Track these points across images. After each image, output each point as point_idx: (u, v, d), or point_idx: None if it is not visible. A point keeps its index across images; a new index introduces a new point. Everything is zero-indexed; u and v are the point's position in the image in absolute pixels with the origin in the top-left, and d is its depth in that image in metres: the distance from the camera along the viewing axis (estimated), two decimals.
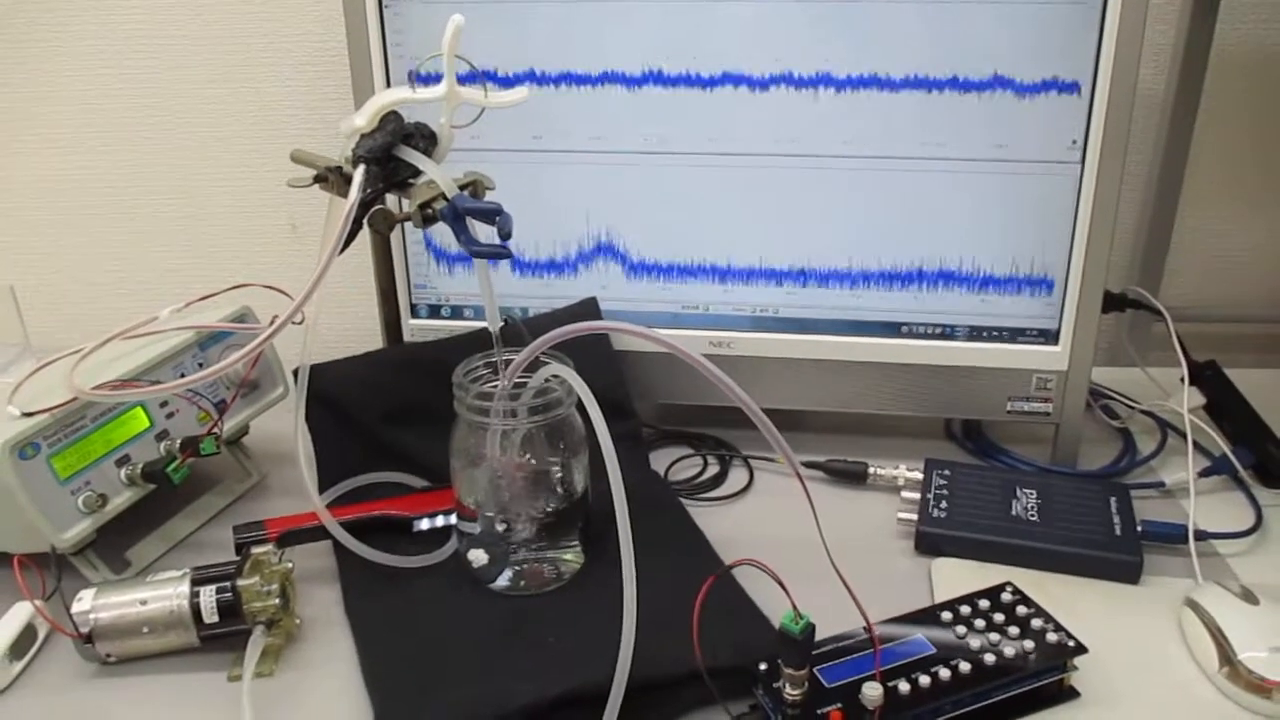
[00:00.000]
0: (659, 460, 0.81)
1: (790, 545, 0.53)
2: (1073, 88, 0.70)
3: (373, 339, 0.85)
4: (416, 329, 0.84)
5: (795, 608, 0.50)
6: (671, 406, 0.85)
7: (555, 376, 0.60)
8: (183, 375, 0.70)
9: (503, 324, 0.62)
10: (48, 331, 0.96)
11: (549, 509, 0.64)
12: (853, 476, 0.78)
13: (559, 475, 0.64)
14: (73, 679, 0.59)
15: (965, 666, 0.53)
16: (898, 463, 0.77)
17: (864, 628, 0.54)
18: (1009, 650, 0.54)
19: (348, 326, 1.05)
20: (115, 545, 0.68)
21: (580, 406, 0.56)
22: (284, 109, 1.03)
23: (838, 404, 0.81)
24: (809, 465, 0.78)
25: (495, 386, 0.62)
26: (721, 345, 0.80)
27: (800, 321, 0.80)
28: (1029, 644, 0.55)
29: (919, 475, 0.75)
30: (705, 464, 0.81)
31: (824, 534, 0.53)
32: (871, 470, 0.77)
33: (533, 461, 0.63)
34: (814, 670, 0.53)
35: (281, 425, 0.70)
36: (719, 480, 0.79)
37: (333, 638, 0.62)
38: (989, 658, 0.54)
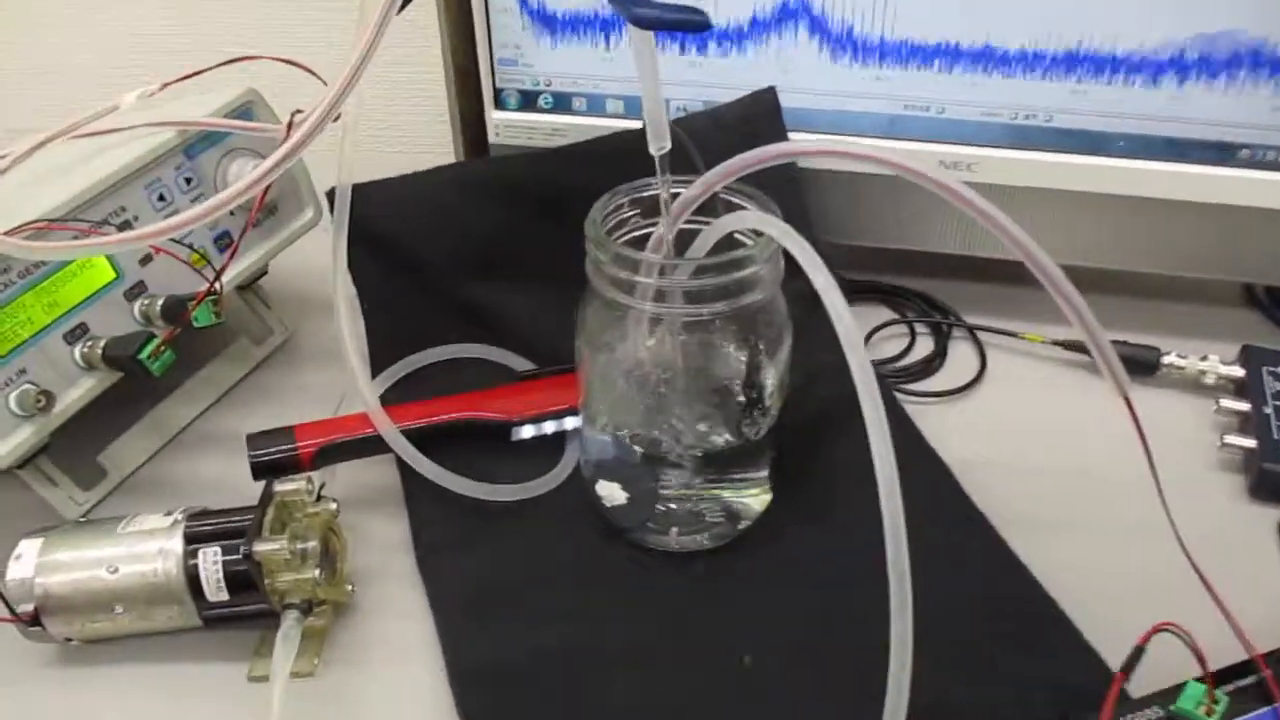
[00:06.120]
0: None
1: (1059, 475, 0.39)
2: None
3: (444, 146, 0.61)
4: (503, 126, 0.59)
5: (1212, 687, 0.28)
6: (860, 250, 0.60)
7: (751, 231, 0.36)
8: (161, 199, 0.46)
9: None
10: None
11: (726, 432, 0.41)
12: (1137, 365, 0.54)
13: (742, 381, 0.41)
14: (25, 668, 0.41)
15: None
16: (1199, 347, 0.53)
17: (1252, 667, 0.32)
18: None
19: (406, 125, 0.79)
20: (83, 446, 0.48)
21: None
22: None
23: (1121, 260, 0.56)
24: (1064, 345, 0.55)
25: (648, 233, 0.39)
26: (958, 166, 0.54)
27: (1084, 135, 0.53)
28: None
29: (1238, 372, 0.51)
30: (913, 336, 0.58)
31: None
32: (1165, 360, 0.53)
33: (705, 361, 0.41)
34: None
35: (314, 257, 0.47)
36: (934, 362, 0.56)
37: (402, 611, 0.42)
38: None
